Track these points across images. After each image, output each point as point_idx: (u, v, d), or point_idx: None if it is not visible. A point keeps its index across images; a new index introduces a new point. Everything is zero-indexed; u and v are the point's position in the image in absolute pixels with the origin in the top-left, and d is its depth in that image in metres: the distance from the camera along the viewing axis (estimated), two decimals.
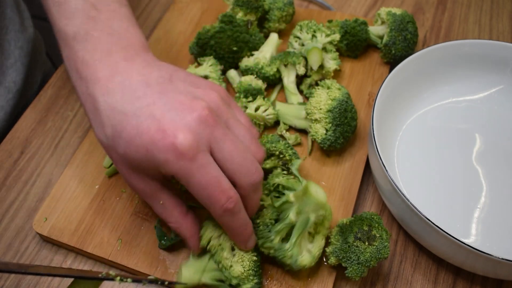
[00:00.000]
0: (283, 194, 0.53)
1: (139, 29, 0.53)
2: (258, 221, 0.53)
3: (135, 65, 0.49)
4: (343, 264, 0.52)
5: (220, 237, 0.53)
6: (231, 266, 0.51)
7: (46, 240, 0.59)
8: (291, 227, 0.52)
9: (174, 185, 0.54)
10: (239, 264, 0.51)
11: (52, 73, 0.87)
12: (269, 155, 0.59)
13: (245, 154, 0.47)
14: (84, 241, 0.57)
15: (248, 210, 0.50)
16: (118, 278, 0.48)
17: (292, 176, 0.55)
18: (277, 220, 0.53)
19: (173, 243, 0.56)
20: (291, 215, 0.51)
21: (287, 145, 0.59)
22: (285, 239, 0.53)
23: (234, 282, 0.51)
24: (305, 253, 0.53)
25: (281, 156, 0.58)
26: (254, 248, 0.52)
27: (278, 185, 0.54)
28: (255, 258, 0.52)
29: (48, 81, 0.73)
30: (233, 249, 0.53)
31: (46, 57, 0.90)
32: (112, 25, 0.50)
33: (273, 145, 0.58)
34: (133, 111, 0.45)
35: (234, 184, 0.47)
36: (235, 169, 0.46)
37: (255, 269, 0.52)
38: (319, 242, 0.54)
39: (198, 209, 0.55)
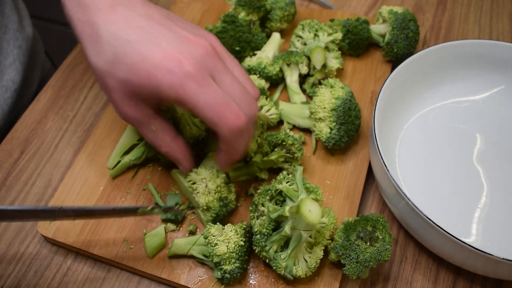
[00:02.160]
0: (285, 200, 0.54)
1: None
2: (256, 229, 0.53)
3: (137, 1, 0.51)
4: (342, 261, 0.53)
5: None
6: (216, 244, 0.53)
7: (50, 242, 0.58)
8: (288, 237, 0.52)
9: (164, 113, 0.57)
10: (225, 244, 0.52)
11: (52, 72, 0.87)
12: (273, 146, 0.59)
13: (245, 88, 0.50)
14: (90, 243, 0.56)
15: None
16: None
17: (294, 185, 0.54)
18: (275, 229, 0.53)
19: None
20: (286, 229, 0.51)
21: (287, 134, 0.59)
22: (284, 247, 0.53)
23: (215, 260, 0.53)
24: (301, 263, 0.53)
25: (283, 143, 0.59)
26: (244, 234, 0.54)
27: (281, 190, 0.54)
28: (242, 243, 0.53)
29: (48, 81, 0.72)
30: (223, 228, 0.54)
31: (46, 56, 0.89)
32: None
33: (274, 136, 0.59)
34: (138, 39, 0.47)
35: None
36: (237, 100, 0.49)
37: (239, 254, 0.53)
38: (317, 253, 0.53)
39: None
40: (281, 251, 0.53)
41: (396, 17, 0.69)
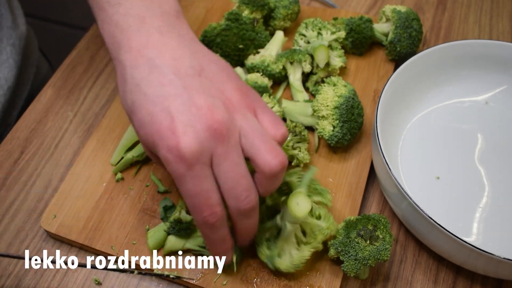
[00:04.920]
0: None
1: None
2: None
3: (170, 41, 0.48)
4: (341, 258, 0.53)
5: None
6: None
7: (53, 237, 0.58)
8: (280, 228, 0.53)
9: None
10: None
11: (50, 73, 0.87)
12: None
13: (241, 178, 0.47)
14: (93, 239, 0.56)
15: (238, 234, 0.51)
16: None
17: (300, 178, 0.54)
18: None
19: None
20: (278, 218, 0.52)
21: (291, 122, 0.61)
22: (277, 237, 0.54)
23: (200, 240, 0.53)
24: (286, 257, 0.53)
25: (288, 129, 0.59)
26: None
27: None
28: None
29: (47, 81, 0.72)
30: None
31: (41, 55, 0.89)
32: None
33: None
34: (153, 97, 0.46)
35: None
36: (225, 190, 0.47)
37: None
38: (304, 252, 0.53)
39: None
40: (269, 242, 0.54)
41: (400, 16, 0.69)
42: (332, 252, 0.54)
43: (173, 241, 0.55)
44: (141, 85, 0.46)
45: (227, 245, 0.50)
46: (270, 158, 0.46)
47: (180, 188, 0.46)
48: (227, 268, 0.53)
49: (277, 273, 0.55)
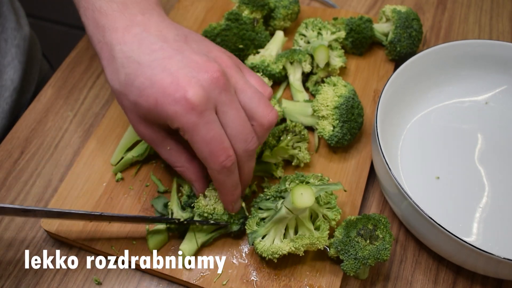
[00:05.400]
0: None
1: None
2: (264, 185, 0.59)
3: (152, 18, 0.51)
4: (340, 257, 0.53)
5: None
6: (214, 208, 0.54)
7: (53, 237, 0.58)
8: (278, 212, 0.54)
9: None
10: (219, 204, 0.55)
11: (50, 73, 0.87)
12: (278, 137, 0.61)
13: (245, 123, 0.50)
14: (93, 238, 0.56)
15: (241, 177, 0.53)
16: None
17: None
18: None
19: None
20: (280, 201, 0.53)
21: (290, 122, 0.62)
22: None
23: (225, 218, 0.54)
24: (267, 242, 0.53)
25: (287, 129, 0.61)
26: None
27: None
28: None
29: (47, 81, 0.72)
30: (204, 196, 0.56)
31: (43, 57, 0.89)
32: None
33: (276, 128, 0.61)
34: (148, 62, 0.48)
35: None
36: (233, 134, 0.49)
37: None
38: (284, 247, 0.53)
39: None
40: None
41: (400, 16, 0.70)
42: (332, 251, 0.54)
43: (188, 247, 0.55)
44: (133, 56, 0.48)
45: (239, 191, 0.53)
46: (267, 111, 0.51)
47: (195, 139, 0.48)
48: (237, 221, 0.55)
49: (277, 273, 0.55)
